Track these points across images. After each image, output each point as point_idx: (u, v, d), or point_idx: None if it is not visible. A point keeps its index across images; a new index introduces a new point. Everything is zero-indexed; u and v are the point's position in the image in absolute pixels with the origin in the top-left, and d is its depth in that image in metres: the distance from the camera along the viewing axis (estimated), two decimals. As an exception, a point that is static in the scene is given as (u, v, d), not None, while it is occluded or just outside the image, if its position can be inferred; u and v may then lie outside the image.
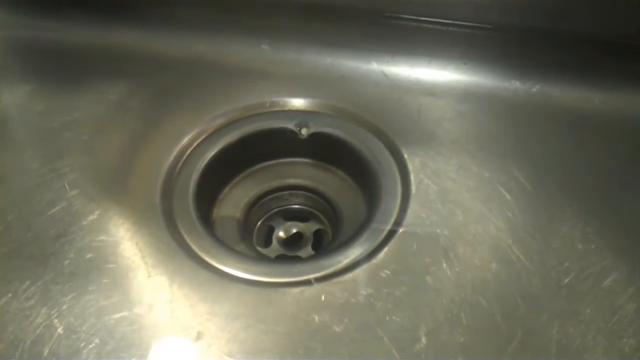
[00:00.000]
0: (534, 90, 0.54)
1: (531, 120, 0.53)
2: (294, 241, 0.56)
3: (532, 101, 0.54)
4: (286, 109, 0.55)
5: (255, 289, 0.42)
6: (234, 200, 0.55)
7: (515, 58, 0.55)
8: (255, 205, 0.56)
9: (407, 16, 0.56)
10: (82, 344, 0.39)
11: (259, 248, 0.54)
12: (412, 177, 0.49)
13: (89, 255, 0.44)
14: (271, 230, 0.57)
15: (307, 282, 0.43)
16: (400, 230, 0.45)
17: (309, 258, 0.50)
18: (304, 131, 0.53)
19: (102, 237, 0.45)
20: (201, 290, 0.42)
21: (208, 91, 0.56)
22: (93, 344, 0.39)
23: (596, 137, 0.51)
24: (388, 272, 0.43)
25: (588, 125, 0.52)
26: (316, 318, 0.41)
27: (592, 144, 0.51)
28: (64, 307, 0.41)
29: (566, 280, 0.42)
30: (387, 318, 0.41)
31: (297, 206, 0.58)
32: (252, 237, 0.55)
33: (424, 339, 0.39)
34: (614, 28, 0.52)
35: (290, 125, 0.53)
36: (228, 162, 0.53)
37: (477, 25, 0.54)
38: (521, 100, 0.54)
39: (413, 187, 0.48)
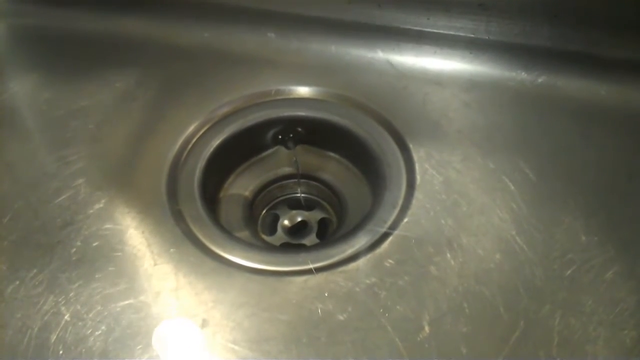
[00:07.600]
0: (540, 80, 0.54)
1: (537, 111, 0.52)
2: (298, 229, 0.57)
3: (538, 92, 0.53)
4: (291, 97, 0.55)
5: (260, 278, 0.43)
6: (240, 189, 0.55)
7: (521, 48, 0.55)
8: (260, 193, 0.56)
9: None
10: (89, 331, 0.40)
11: (263, 236, 0.55)
12: (417, 167, 0.49)
13: (95, 244, 0.44)
14: (276, 219, 0.57)
15: (311, 271, 0.43)
16: (405, 220, 0.45)
17: (313, 247, 0.50)
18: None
19: (108, 226, 0.45)
20: (206, 278, 0.43)
21: (214, 79, 0.56)
22: (99, 331, 0.40)
23: (602, 129, 0.51)
24: (392, 261, 0.43)
25: (594, 117, 0.52)
26: (320, 307, 0.41)
27: (598, 135, 0.50)
28: (71, 294, 0.42)
29: (569, 272, 0.42)
30: (391, 307, 0.41)
31: (302, 195, 0.58)
32: (257, 226, 0.56)
33: (427, 328, 0.40)
34: (621, 19, 0.52)
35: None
36: (233, 150, 0.53)
37: (482, 16, 0.54)
38: (527, 91, 0.54)
39: (418, 177, 0.48)
